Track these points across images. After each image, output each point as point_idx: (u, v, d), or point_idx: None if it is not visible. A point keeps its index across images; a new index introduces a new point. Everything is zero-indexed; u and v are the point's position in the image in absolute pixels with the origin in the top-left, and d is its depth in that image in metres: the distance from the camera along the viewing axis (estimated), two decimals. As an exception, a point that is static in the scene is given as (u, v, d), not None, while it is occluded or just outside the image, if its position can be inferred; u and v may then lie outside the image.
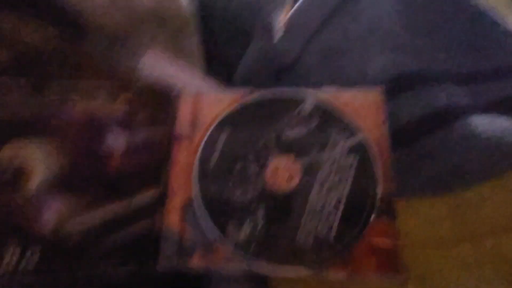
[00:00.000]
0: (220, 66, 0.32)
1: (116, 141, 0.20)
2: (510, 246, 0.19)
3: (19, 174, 0.17)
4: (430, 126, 0.25)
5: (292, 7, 0.31)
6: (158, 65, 0.25)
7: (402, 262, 0.21)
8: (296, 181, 0.24)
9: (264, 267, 0.22)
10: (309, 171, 0.24)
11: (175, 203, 0.24)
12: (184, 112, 0.25)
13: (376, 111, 0.25)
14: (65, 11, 0.20)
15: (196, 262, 0.23)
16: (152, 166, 0.23)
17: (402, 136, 0.25)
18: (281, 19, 0.29)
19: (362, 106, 0.25)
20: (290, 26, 0.30)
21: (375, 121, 0.25)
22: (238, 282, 0.23)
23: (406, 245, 0.22)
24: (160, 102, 0.24)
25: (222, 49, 0.32)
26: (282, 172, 0.24)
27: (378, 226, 0.22)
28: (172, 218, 0.23)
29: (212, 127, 0.25)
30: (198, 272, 0.22)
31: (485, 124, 0.24)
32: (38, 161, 0.17)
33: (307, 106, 0.25)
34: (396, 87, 0.27)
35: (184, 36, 0.28)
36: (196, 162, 0.24)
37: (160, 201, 0.23)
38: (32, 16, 0.17)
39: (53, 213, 0.17)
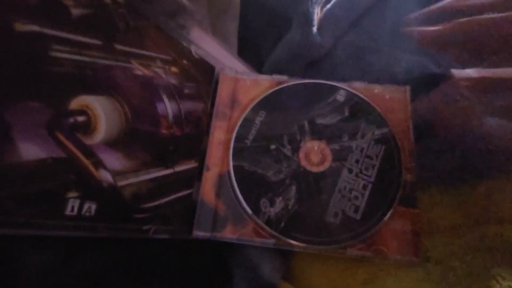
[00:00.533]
0: (251, 53, 0.33)
1: (168, 108, 0.21)
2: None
3: (84, 127, 0.17)
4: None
5: (326, 5, 0.32)
6: (203, 42, 0.26)
7: (420, 246, 0.23)
8: (327, 164, 0.25)
9: (292, 243, 0.23)
10: (339, 156, 0.25)
11: (211, 177, 0.25)
12: (224, 92, 0.27)
13: (402, 106, 0.27)
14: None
15: (227, 233, 0.24)
16: (193, 139, 0.24)
17: (423, 131, 0.27)
18: (316, 14, 0.31)
19: (390, 101, 0.27)
20: (324, 22, 0.32)
21: (401, 115, 0.26)
22: (264, 254, 0.24)
23: (424, 230, 0.24)
24: (203, 80, 0.25)
25: (256, 37, 0.33)
26: (314, 155, 0.25)
27: (401, 212, 0.24)
28: (208, 191, 0.24)
29: (249, 108, 0.26)
30: (227, 245, 0.23)
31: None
32: (102, 117, 0.18)
33: (340, 96, 0.27)
34: (419, 86, 0.29)
35: (227, 18, 0.29)
36: (233, 140, 0.25)
37: (198, 174, 0.24)
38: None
39: (111, 169, 0.18)
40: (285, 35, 0.32)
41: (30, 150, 0.15)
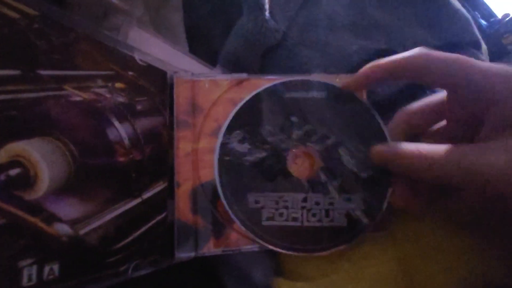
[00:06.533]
0: (201, 45, 0.30)
1: (121, 132, 0.19)
2: None
3: (22, 181, 0.14)
4: (403, 99, 0.28)
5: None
6: (147, 45, 0.22)
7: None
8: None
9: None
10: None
11: (183, 193, 0.23)
12: (181, 98, 0.24)
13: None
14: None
15: (212, 248, 0.23)
16: (156, 158, 0.22)
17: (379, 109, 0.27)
18: (266, -1, 0.29)
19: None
20: (274, 4, 0.30)
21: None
22: (252, 259, 0.24)
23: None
24: (155, 89, 0.23)
25: (204, 27, 0.30)
26: (302, 160, 0.24)
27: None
28: (183, 209, 0.23)
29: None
30: (214, 258, 0.23)
31: None
32: (42, 163, 0.15)
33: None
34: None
35: (168, 10, 0.25)
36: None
37: (169, 194, 0.23)
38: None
39: (67, 219, 0.16)
40: (235, 21, 0.30)
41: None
